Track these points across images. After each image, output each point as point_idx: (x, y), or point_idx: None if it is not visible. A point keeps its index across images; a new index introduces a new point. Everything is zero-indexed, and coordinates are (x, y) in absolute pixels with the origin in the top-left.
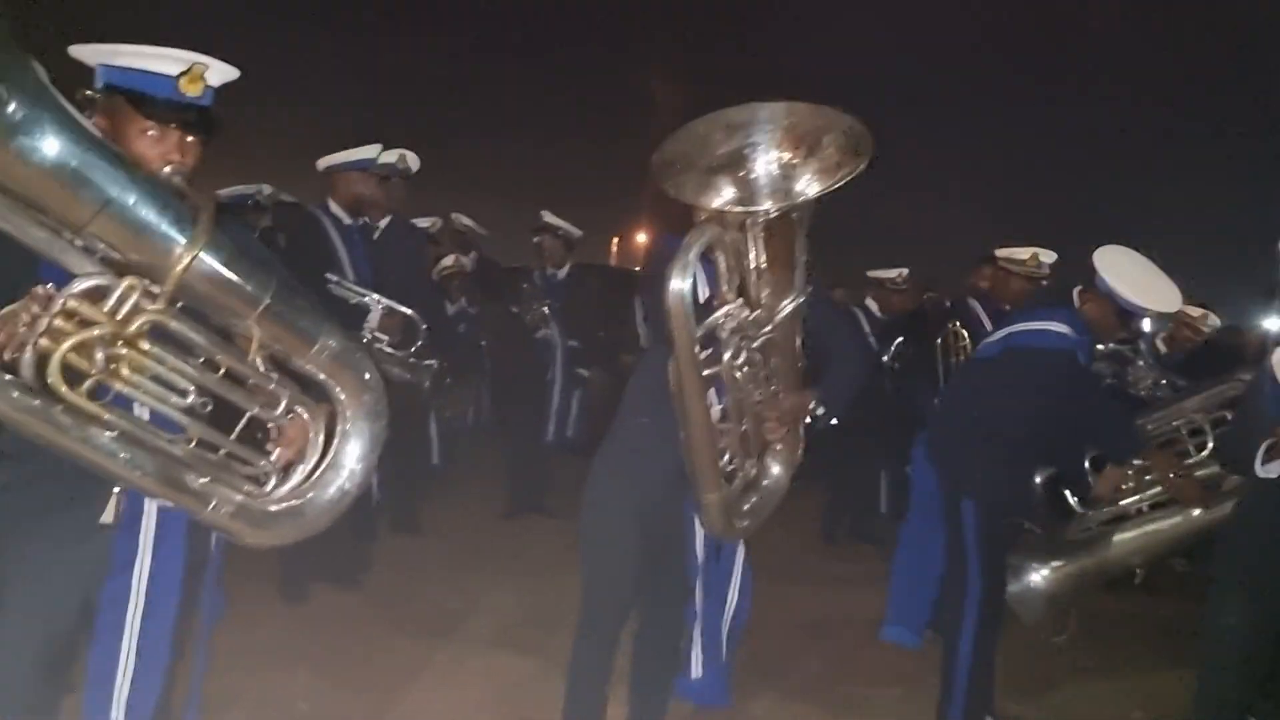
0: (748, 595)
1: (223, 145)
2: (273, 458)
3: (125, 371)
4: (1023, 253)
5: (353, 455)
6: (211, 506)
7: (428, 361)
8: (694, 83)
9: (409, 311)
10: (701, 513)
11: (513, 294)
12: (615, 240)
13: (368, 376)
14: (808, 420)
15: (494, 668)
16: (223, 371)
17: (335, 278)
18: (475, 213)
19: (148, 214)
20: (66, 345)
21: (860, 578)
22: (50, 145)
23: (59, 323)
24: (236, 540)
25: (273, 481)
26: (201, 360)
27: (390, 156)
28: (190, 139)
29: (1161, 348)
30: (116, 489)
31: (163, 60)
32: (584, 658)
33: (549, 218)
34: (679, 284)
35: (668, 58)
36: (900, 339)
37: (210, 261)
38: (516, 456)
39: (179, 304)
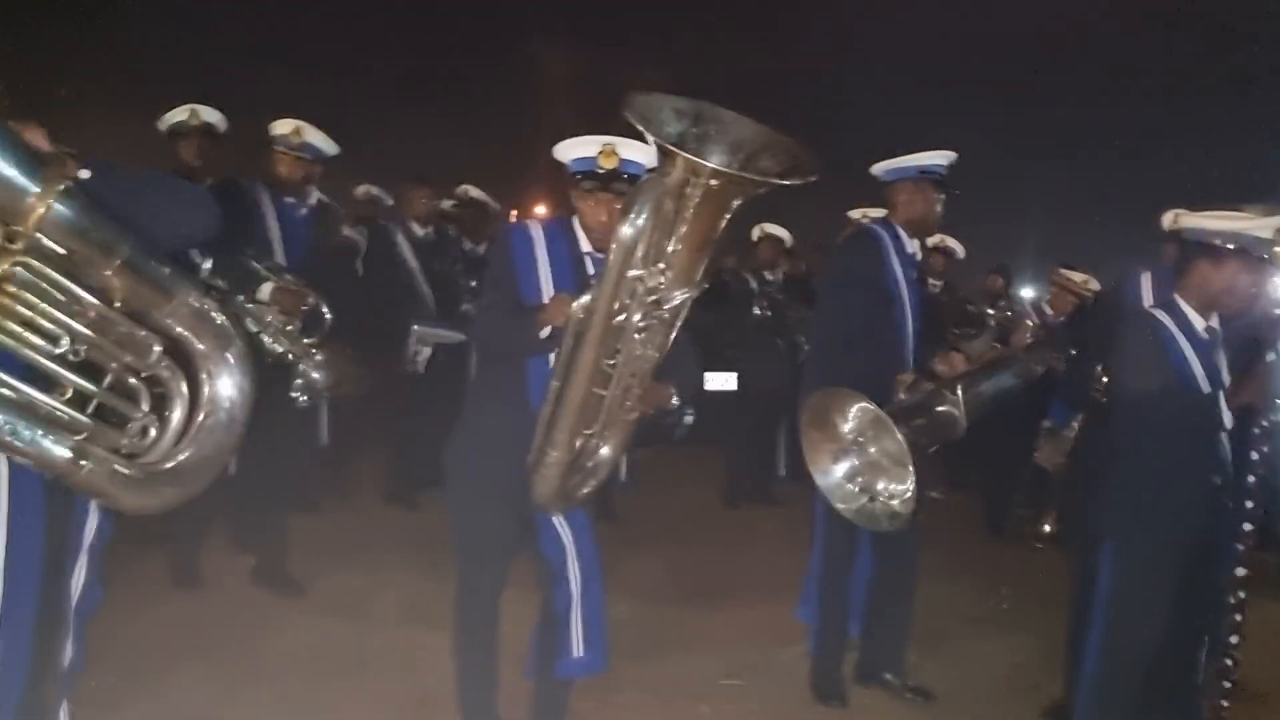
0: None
1: None
2: (145, 408)
3: None
4: None
5: (223, 411)
6: (85, 468)
7: (308, 339)
8: (598, 55)
9: (308, 293)
10: (538, 473)
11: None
12: (514, 213)
13: (230, 334)
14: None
15: (399, 644)
16: (90, 318)
17: (251, 252)
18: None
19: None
20: None
21: (761, 540)
22: None
23: None
24: (114, 504)
25: (149, 436)
26: (67, 310)
27: (284, 128)
28: None
29: (1047, 310)
30: None
31: None
32: (465, 630)
33: (474, 193)
34: (629, 230)
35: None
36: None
37: (65, 211)
38: (406, 436)
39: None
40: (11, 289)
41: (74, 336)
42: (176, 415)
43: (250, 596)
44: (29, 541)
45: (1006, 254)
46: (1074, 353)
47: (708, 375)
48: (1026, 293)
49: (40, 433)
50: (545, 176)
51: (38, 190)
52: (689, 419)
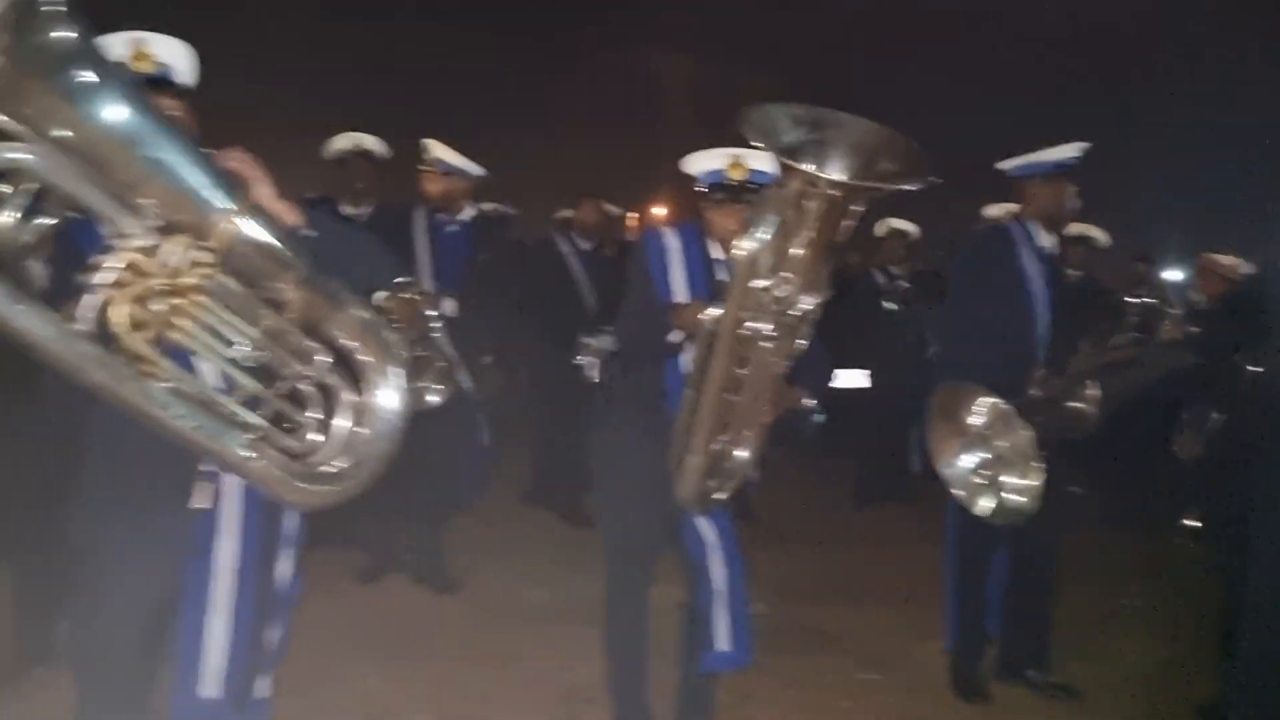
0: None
1: None
2: (311, 414)
3: (181, 322)
4: None
5: (382, 419)
6: (256, 463)
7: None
8: (704, 60)
9: (428, 303)
10: (678, 476)
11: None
12: (635, 216)
13: (395, 347)
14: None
15: (549, 637)
16: (266, 326)
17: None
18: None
19: (197, 179)
20: (128, 292)
21: (894, 537)
22: (112, 111)
23: (121, 275)
24: (281, 499)
25: (311, 438)
26: (247, 318)
27: (343, 141)
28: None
29: (1195, 296)
30: (201, 475)
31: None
32: (616, 625)
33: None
34: (750, 244)
35: (676, 38)
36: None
37: (251, 226)
38: (547, 439)
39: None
40: (200, 299)
41: (251, 343)
42: (339, 421)
43: (413, 591)
44: (248, 538)
45: (1153, 239)
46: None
47: (838, 372)
48: (1174, 276)
49: (220, 429)
50: (661, 181)
51: (229, 210)
52: (818, 417)
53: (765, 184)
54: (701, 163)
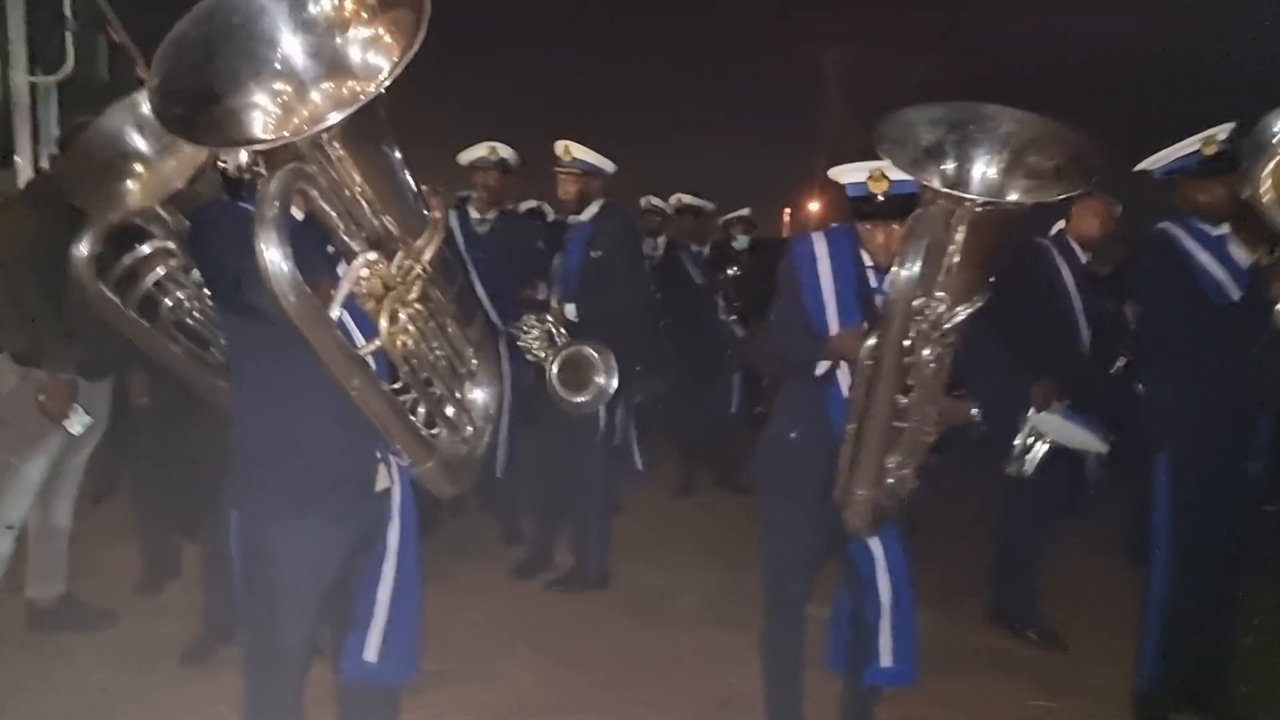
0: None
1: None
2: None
3: (412, 329)
4: None
5: (482, 416)
6: (432, 459)
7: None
8: (853, 50)
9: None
10: (847, 507)
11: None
12: (787, 211)
13: (497, 351)
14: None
15: (704, 644)
16: (451, 332)
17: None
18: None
19: (416, 203)
20: (387, 305)
21: (1065, 554)
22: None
23: (370, 285)
24: (436, 490)
25: (469, 429)
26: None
27: (480, 150)
28: None
29: None
30: (380, 463)
31: None
32: (773, 636)
33: (688, 199)
34: (909, 272)
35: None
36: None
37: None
38: (694, 434)
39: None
40: (420, 308)
41: (445, 346)
42: (479, 415)
43: (566, 590)
44: (410, 516)
45: None
46: None
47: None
48: None
49: (417, 423)
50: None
51: (433, 224)
52: (981, 425)
53: (911, 194)
54: (846, 176)
